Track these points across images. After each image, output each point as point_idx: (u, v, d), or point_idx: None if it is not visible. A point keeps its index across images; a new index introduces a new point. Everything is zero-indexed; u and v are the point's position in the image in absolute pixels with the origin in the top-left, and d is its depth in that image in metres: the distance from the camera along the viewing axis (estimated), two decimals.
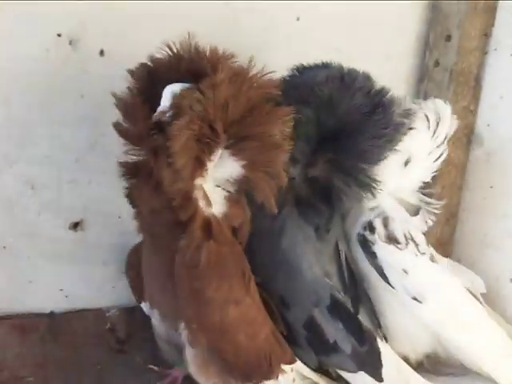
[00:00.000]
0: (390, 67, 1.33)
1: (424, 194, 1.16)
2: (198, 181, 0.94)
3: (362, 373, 1.10)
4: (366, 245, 1.11)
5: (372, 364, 1.10)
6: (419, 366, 1.20)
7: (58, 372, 1.17)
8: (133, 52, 1.05)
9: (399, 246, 1.11)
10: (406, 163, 1.11)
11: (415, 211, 1.15)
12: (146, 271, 1.06)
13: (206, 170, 0.93)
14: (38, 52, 1.06)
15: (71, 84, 1.07)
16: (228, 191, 0.98)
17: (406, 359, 1.16)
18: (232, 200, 0.98)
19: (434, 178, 1.27)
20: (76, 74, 1.08)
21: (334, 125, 1.03)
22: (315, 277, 1.07)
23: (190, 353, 1.04)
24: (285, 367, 1.08)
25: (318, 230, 1.07)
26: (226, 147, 0.95)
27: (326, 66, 1.09)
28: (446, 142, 1.14)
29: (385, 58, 1.32)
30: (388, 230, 1.11)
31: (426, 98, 1.35)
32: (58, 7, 1.06)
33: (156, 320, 1.09)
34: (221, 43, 1.15)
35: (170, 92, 0.92)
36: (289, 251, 1.06)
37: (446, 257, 1.40)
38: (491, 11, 1.33)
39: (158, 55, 0.97)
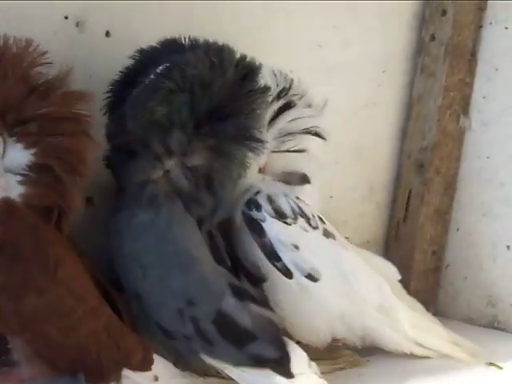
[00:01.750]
0: (386, 43, 1.36)
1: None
2: None
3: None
4: (253, 224, 1.06)
5: (285, 355, 1.02)
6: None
7: None
8: (138, 33, 1.10)
9: (287, 220, 1.07)
10: None
11: (301, 179, 1.13)
12: None
13: None
14: (45, 34, 1.08)
15: (79, 65, 1.09)
16: (25, 175, 0.92)
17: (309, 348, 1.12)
18: (32, 182, 0.93)
19: (431, 149, 1.31)
20: (83, 55, 1.11)
21: (208, 107, 0.99)
22: (213, 265, 1.01)
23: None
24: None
25: (201, 223, 1.02)
26: (11, 135, 0.92)
27: (175, 42, 1.04)
28: (283, 94, 1.11)
29: (381, 34, 1.35)
30: (274, 206, 1.07)
31: (422, 72, 1.39)
32: None
33: None
34: (220, 22, 1.19)
35: None
36: (183, 242, 0.99)
37: (445, 226, 1.45)
38: None
39: None
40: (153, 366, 1.01)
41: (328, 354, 1.17)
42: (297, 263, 1.06)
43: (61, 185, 0.94)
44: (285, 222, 1.06)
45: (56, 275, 0.92)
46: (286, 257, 1.06)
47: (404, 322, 1.16)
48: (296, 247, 1.06)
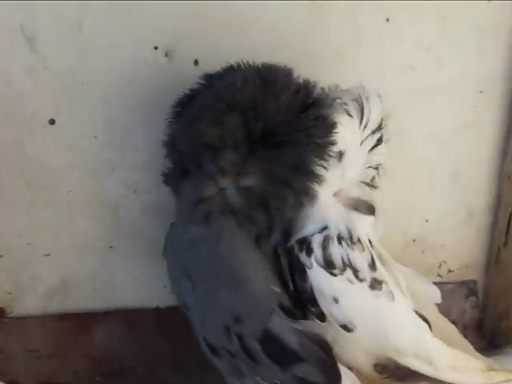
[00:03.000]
0: (482, 62, 1.31)
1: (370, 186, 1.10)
2: None
3: None
4: (299, 266, 1.04)
5: (335, 374, 1.01)
6: None
7: (165, 364, 1.25)
8: (226, 60, 1.10)
9: (334, 271, 1.04)
10: (340, 157, 1.04)
11: (369, 209, 1.09)
12: None
13: None
14: (135, 64, 1.14)
15: (169, 94, 1.13)
16: None
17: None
18: None
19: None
20: (173, 84, 1.13)
21: (262, 129, 0.97)
22: (263, 283, 1.00)
23: None
24: None
25: (258, 241, 1.00)
26: None
27: (237, 68, 1.04)
28: (381, 127, 1.08)
29: (477, 53, 1.31)
30: (326, 253, 1.04)
31: None
32: (154, 20, 1.13)
33: None
34: (309, 45, 1.20)
35: None
36: (230, 258, 0.99)
37: None
38: None
39: None
40: None
41: None
42: (333, 315, 1.05)
43: None
44: (331, 273, 1.04)
45: None
46: (324, 307, 1.05)
47: (440, 366, 1.12)
48: (336, 300, 1.04)
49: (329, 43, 1.22)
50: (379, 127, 1.09)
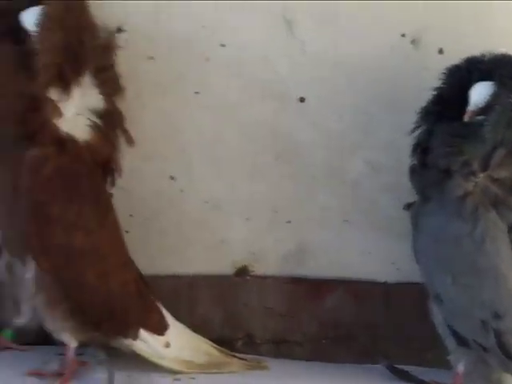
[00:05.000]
0: None
1: None
2: (54, 95, 0.95)
3: None
4: None
5: None
6: None
7: (388, 336, 1.31)
8: (470, 50, 1.13)
9: None
10: None
11: None
12: None
13: (69, 90, 0.95)
14: (383, 50, 1.21)
15: (411, 79, 1.19)
16: (93, 121, 0.97)
17: None
18: (99, 131, 0.98)
19: None
20: (416, 71, 1.19)
21: None
22: None
23: (36, 288, 0.98)
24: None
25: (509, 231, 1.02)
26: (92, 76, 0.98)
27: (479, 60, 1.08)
28: None
29: None
30: None
31: None
32: (403, 10, 1.19)
33: None
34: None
35: None
36: (494, 256, 1.02)
37: None
38: None
39: None
40: (166, 333, 1.09)
41: None
42: None
43: (116, 140, 1.03)
44: None
45: (106, 222, 1.01)
46: None
47: None
48: None
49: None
50: None
